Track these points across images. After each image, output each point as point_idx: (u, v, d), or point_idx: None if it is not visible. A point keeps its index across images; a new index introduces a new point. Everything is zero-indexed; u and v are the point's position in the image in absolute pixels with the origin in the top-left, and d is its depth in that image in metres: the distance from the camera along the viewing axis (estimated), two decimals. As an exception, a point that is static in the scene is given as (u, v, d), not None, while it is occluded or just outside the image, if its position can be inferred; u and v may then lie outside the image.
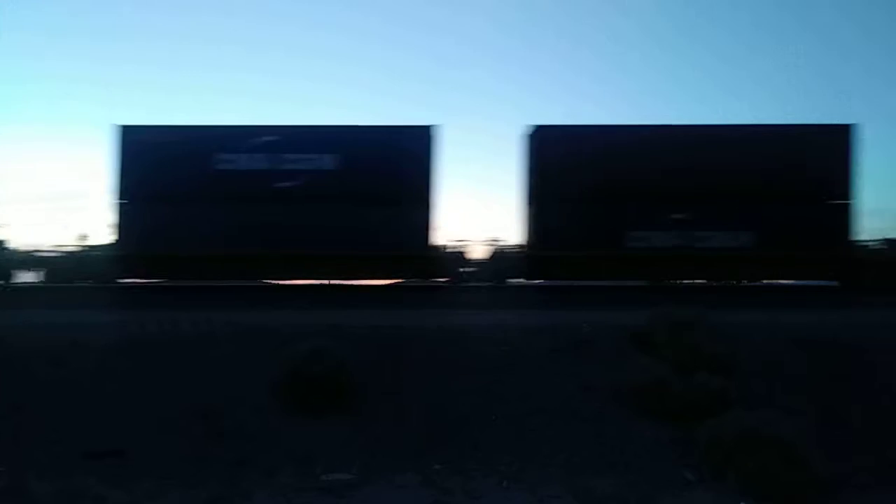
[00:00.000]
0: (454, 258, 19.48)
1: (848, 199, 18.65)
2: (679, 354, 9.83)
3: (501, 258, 19.53)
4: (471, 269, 19.51)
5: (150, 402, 8.91)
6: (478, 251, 19.79)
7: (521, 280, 19.30)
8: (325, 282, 19.06)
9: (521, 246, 19.51)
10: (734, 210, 18.31)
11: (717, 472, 7.56)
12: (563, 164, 18.52)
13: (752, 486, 7.15)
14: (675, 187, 18.31)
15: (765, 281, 19.24)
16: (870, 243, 19.39)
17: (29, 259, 19.39)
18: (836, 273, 18.74)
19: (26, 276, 19.24)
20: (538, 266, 18.81)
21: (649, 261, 18.41)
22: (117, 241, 18.71)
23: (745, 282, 19.08)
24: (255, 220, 18.54)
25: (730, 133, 18.87)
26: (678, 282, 18.88)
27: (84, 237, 19.80)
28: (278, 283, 19.32)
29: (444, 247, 19.53)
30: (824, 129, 18.85)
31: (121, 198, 18.71)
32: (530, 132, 19.06)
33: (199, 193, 18.47)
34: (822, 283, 19.01)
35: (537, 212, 18.78)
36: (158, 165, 18.48)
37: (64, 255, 19.40)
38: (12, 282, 19.15)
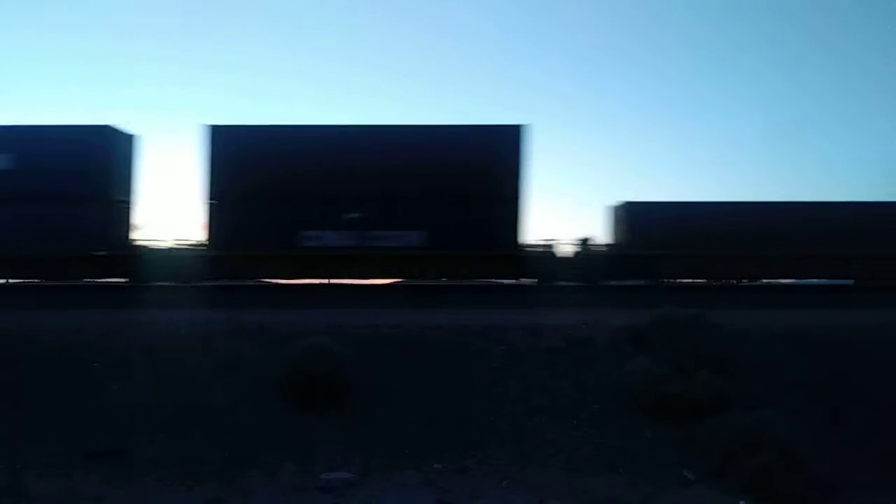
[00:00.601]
0: None
1: (519, 199, 18.70)
2: (679, 354, 9.84)
3: None
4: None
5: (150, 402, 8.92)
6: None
7: (198, 281, 18.52)
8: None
9: (201, 245, 18.86)
10: (405, 210, 18.41)
11: (716, 471, 7.57)
12: (239, 164, 18.48)
13: (752, 486, 7.15)
14: (348, 187, 18.31)
15: (444, 280, 19.25)
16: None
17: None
18: (508, 272, 18.98)
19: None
20: (217, 265, 18.43)
21: (324, 260, 18.50)
22: None
23: (421, 280, 19.12)
24: None
25: (401, 133, 18.91)
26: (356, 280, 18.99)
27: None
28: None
29: None
30: (494, 129, 18.92)
31: None
32: (206, 131, 18.79)
33: None
34: (504, 281, 19.28)
35: (215, 211, 18.54)
36: None
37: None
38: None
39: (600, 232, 20.58)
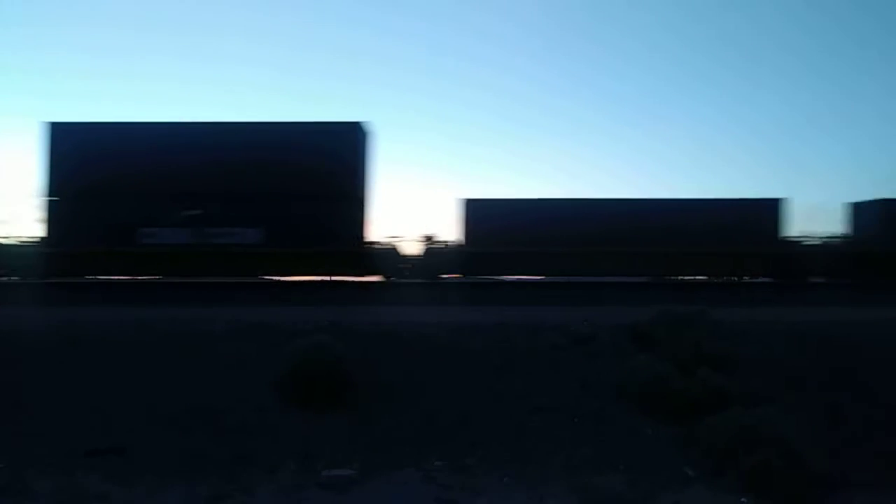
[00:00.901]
0: None
1: (360, 197, 19.03)
2: (680, 351, 9.83)
3: None
4: None
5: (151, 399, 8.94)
6: None
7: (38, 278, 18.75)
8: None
9: (37, 242, 18.99)
10: (243, 207, 18.46)
11: (717, 469, 7.56)
12: (77, 161, 18.42)
13: (753, 484, 7.15)
14: (186, 184, 18.34)
15: (288, 277, 19.40)
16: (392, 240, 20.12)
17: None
18: (352, 269, 19.09)
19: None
20: (55, 262, 18.37)
21: (164, 257, 18.42)
22: None
23: (261, 278, 19.27)
24: None
25: (237, 131, 18.89)
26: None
27: None
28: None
29: None
30: (330, 127, 18.95)
31: None
32: (45, 129, 18.70)
33: None
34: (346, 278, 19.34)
35: (54, 208, 18.53)
36: None
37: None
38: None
39: (447, 229, 20.65)
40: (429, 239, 20.26)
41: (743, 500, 7.11)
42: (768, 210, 20.36)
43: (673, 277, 20.69)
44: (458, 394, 9.40)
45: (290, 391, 9.02)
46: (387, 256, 19.43)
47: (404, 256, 19.88)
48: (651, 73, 71.06)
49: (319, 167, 18.39)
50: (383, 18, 66.56)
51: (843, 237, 21.28)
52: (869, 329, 11.59)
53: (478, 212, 20.03)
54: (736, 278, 20.36)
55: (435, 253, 19.95)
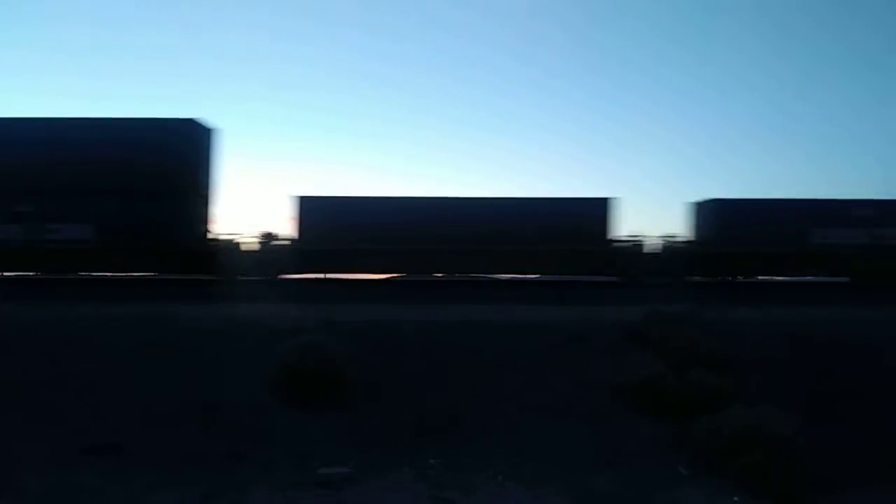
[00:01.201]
0: None
1: (202, 194, 19.05)
2: (675, 351, 9.88)
3: None
4: None
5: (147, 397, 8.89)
6: None
7: None
8: None
9: None
10: (75, 204, 18.31)
11: (712, 468, 7.61)
12: None
13: (747, 483, 7.19)
14: (18, 181, 18.11)
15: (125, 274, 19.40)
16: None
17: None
18: (189, 267, 19.00)
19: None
20: None
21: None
22: None
23: (94, 274, 19.17)
24: None
25: (68, 127, 18.62)
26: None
27: None
28: None
29: None
30: (165, 123, 18.79)
31: None
32: None
33: None
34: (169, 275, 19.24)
35: None
36: None
37: None
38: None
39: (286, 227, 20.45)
40: (269, 236, 20.16)
41: (735, 498, 7.15)
42: (597, 209, 20.36)
43: (504, 275, 20.89)
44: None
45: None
46: (227, 254, 19.37)
47: (245, 254, 19.71)
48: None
49: (154, 164, 18.23)
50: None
51: (675, 237, 21.11)
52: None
53: (311, 209, 19.86)
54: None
55: (274, 251, 19.85)
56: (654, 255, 20.92)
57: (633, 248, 20.81)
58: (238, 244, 19.95)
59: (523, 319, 12.26)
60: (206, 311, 12.76)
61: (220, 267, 19.01)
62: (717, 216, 20.57)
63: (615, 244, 20.64)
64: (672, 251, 20.88)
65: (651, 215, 70.05)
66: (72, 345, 10.29)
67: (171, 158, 18.38)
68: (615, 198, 20.61)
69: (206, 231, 19.37)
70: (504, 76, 71.43)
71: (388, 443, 8.30)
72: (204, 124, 19.20)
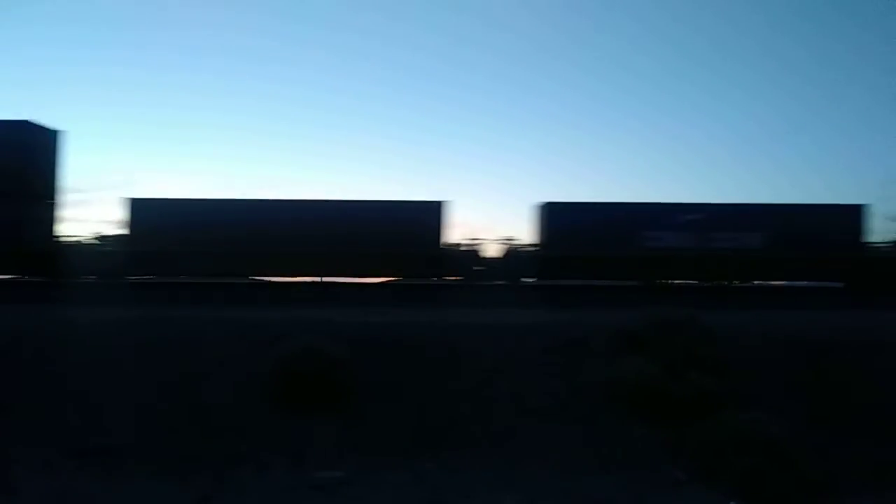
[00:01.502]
0: None
1: (47, 196, 18.95)
2: (671, 355, 9.85)
3: None
4: None
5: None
6: None
7: None
8: None
9: None
10: None
11: (708, 472, 7.59)
12: None
13: (743, 486, 7.18)
14: None
15: None
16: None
17: None
18: (37, 269, 18.84)
19: None
20: None
21: None
22: None
23: None
24: None
25: None
26: None
27: None
28: None
29: None
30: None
31: None
32: None
33: None
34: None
35: None
36: None
37: None
38: None
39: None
40: (105, 238, 20.17)
41: (732, 502, 7.14)
42: (429, 213, 20.15)
43: (340, 278, 20.53)
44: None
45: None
46: (72, 255, 19.25)
47: (91, 256, 19.63)
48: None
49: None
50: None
51: (515, 240, 21.02)
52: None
53: (141, 211, 19.74)
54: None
55: (115, 251, 19.78)
56: (492, 259, 20.77)
57: (468, 252, 20.69)
58: (85, 245, 19.90)
59: (519, 323, 12.23)
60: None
61: (63, 268, 18.74)
62: (549, 219, 20.41)
63: (447, 247, 20.44)
64: (512, 254, 20.72)
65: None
66: None
67: (3, 159, 18.21)
68: (449, 201, 20.45)
69: (51, 233, 19.21)
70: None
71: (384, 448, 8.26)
72: (44, 126, 19.11)
